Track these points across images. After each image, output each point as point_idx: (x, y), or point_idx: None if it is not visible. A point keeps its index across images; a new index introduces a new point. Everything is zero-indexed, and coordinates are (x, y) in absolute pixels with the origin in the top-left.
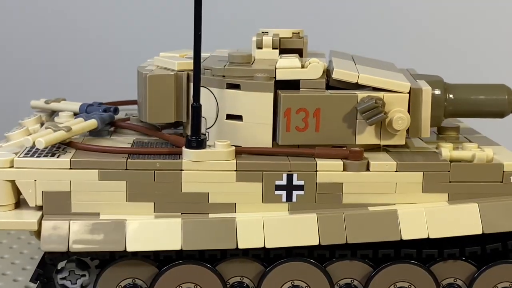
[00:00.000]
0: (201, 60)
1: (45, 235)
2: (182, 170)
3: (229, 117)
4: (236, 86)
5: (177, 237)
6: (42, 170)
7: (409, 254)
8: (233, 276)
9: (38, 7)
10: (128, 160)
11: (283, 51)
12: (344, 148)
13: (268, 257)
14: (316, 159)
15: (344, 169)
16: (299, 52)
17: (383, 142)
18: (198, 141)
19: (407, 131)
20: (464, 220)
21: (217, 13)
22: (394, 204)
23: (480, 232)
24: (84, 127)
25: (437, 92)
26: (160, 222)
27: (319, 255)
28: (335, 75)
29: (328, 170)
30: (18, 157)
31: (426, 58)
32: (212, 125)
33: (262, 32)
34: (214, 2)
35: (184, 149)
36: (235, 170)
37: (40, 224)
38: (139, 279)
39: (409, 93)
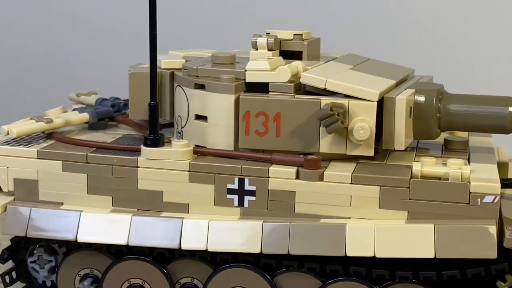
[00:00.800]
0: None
1: (7, 219)
2: (137, 167)
3: (198, 117)
4: (202, 87)
5: (125, 232)
6: (13, 158)
7: (358, 272)
8: (184, 277)
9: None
10: (89, 154)
11: (283, 53)
12: (301, 156)
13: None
14: (269, 165)
15: (297, 177)
16: (299, 54)
17: (349, 152)
18: (153, 140)
19: (380, 141)
20: (416, 241)
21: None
22: (349, 218)
23: (431, 256)
24: (73, 120)
25: (426, 102)
26: (113, 216)
27: (266, 264)
28: (302, 79)
29: (280, 177)
30: None
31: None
32: (185, 125)
33: (267, 34)
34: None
35: (142, 146)
36: (188, 171)
37: (5, 208)
38: (96, 270)
39: (380, 102)
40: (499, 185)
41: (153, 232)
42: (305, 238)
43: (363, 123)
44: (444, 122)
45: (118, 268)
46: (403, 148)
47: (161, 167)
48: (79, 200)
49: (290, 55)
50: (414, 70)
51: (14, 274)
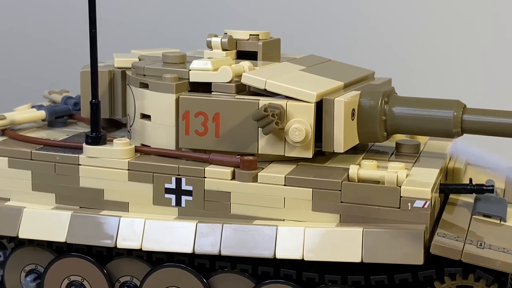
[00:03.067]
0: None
1: None
2: (79, 165)
3: (143, 116)
4: (147, 86)
5: (64, 230)
6: None
7: (288, 274)
8: (123, 275)
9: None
10: (33, 151)
11: (239, 54)
12: (237, 157)
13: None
14: (206, 165)
15: (232, 178)
16: (255, 55)
17: (287, 154)
18: (94, 138)
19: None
20: (344, 245)
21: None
22: (283, 220)
23: (358, 260)
24: (28, 117)
25: (370, 104)
26: (53, 213)
27: (200, 264)
28: (243, 79)
29: (216, 177)
30: None
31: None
32: (132, 124)
33: (225, 34)
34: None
35: (83, 144)
36: (127, 169)
37: None
38: (40, 266)
39: (319, 103)
40: (430, 190)
41: (91, 230)
42: (236, 239)
43: (299, 124)
44: (390, 125)
45: (58, 265)
46: (342, 151)
47: (102, 165)
48: (24, 197)
49: (246, 55)
50: (374, 72)
51: None
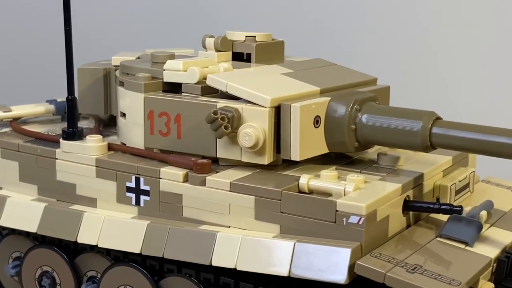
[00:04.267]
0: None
1: None
2: (56, 159)
3: (122, 114)
4: (123, 84)
5: (36, 221)
6: None
7: (227, 283)
8: (90, 270)
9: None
10: (20, 143)
11: (236, 55)
12: (193, 159)
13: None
14: (164, 166)
15: (185, 181)
16: (249, 56)
17: (244, 159)
18: (69, 133)
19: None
20: (275, 258)
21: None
22: (229, 227)
23: (285, 274)
24: (35, 111)
25: (338, 112)
26: (29, 204)
27: (151, 265)
28: (207, 81)
29: (170, 179)
30: None
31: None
32: (117, 121)
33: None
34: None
35: (60, 139)
36: (95, 166)
37: None
38: (23, 253)
39: (277, 108)
40: (365, 205)
41: (59, 223)
42: (180, 243)
43: (249, 129)
44: (361, 135)
45: (33, 255)
46: (298, 159)
47: (74, 160)
48: (13, 187)
49: (242, 57)
50: (376, 78)
51: None
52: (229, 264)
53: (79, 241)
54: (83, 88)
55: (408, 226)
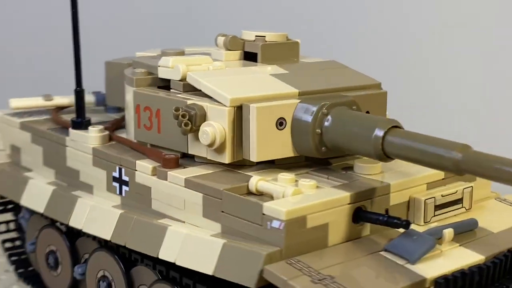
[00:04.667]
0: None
1: None
2: (66, 146)
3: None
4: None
5: (44, 203)
6: (8, 127)
7: (174, 277)
8: (86, 252)
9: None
10: (45, 129)
11: (247, 54)
12: (163, 154)
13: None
14: (141, 158)
15: (153, 174)
16: (251, 55)
17: (209, 157)
18: (76, 123)
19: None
20: (206, 255)
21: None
22: (184, 222)
23: (210, 272)
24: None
25: (303, 115)
26: (42, 187)
27: (123, 253)
28: (187, 78)
29: (142, 171)
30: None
31: None
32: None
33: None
34: None
35: (69, 128)
36: (92, 155)
37: None
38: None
39: (239, 107)
40: (285, 210)
41: (59, 206)
42: (139, 234)
43: (208, 127)
44: (326, 140)
45: (44, 234)
46: (256, 160)
47: (78, 148)
48: (39, 170)
49: (252, 56)
50: (380, 83)
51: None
52: (171, 258)
53: (70, 224)
54: (109, 81)
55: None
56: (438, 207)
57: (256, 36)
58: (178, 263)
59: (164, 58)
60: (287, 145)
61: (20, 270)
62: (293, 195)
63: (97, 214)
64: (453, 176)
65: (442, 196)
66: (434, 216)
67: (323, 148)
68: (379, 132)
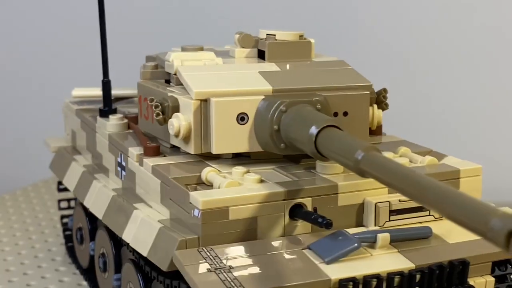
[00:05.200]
0: None
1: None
2: (96, 132)
3: None
4: None
5: (74, 183)
6: (69, 112)
7: (136, 258)
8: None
9: None
10: (88, 117)
11: (259, 52)
12: (148, 142)
13: None
14: (133, 145)
15: (137, 161)
16: (263, 53)
17: (182, 148)
18: (102, 111)
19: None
20: (147, 238)
21: None
22: (151, 207)
23: (145, 254)
24: (126, 93)
25: (263, 111)
26: (76, 168)
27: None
28: (176, 72)
29: (130, 157)
30: None
31: None
32: None
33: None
34: None
35: (97, 116)
36: (108, 141)
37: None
38: None
39: (205, 101)
40: (202, 200)
41: (82, 186)
42: (117, 215)
43: (174, 119)
44: (283, 137)
45: (76, 211)
46: (214, 152)
47: (101, 134)
48: (84, 154)
49: (263, 54)
50: (371, 84)
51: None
52: (128, 240)
53: (84, 203)
54: None
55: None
56: (394, 212)
57: (267, 34)
58: (131, 245)
59: (169, 53)
60: (250, 140)
61: (70, 244)
62: (227, 187)
63: (100, 195)
64: None
65: (400, 201)
66: (389, 221)
67: (282, 144)
68: (314, 131)
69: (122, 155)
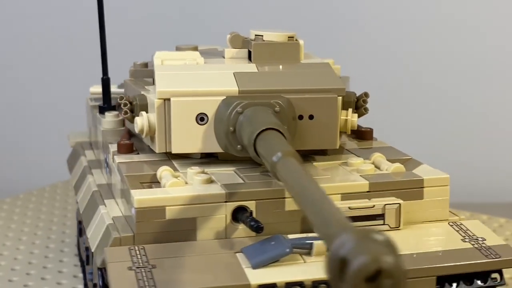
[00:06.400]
0: None
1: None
2: (97, 128)
3: None
4: None
5: (77, 176)
6: (88, 108)
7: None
8: None
9: None
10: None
11: (249, 52)
12: (123, 139)
13: None
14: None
15: (112, 157)
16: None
17: (151, 146)
18: (101, 108)
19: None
20: (98, 235)
21: None
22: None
23: (93, 250)
24: None
25: (220, 112)
26: (82, 164)
27: None
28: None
29: (110, 154)
30: None
31: None
32: None
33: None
34: None
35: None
36: (101, 137)
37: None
38: None
39: (168, 100)
40: (136, 199)
41: (80, 181)
42: (89, 209)
43: (139, 117)
44: (239, 138)
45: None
46: (173, 151)
47: (97, 130)
48: (95, 147)
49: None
50: (344, 88)
51: None
52: (89, 235)
53: (76, 197)
54: None
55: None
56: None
57: (255, 35)
58: (89, 239)
59: (157, 53)
60: (210, 140)
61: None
62: (170, 186)
63: (86, 190)
64: (389, 190)
65: (350, 208)
66: None
67: (238, 146)
68: (253, 134)
69: (108, 155)
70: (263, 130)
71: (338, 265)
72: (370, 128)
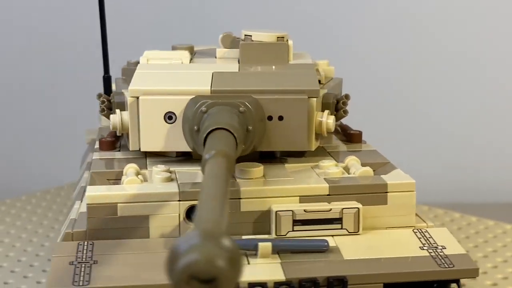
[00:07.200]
0: None
1: None
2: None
3: None
4: None
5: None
6: None
7: None
8: None
9: None
10: None
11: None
12: (106, 137)
13: None
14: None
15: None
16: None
17: (126, 142)
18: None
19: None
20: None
21: None
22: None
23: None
24: None
25: (186, 111)
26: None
27: None
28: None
29: (95, 151)
30: None
31: None
32: None
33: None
34: None
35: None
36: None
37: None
38: None
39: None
40: (87, 195)
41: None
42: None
43: (113, 114)
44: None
45: None
46: (141, 149)
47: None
48: None
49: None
50: (319, 90)
51: None
52: (62, 230)
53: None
54: None
55: None
56: (299, 222)
57: (245, 35)
58: (61, 234)
59: (146, 52)
60: (179, 139)
61: None
62: (127, 184)
63: (78, 187)
64: (350, 194)
65: (305, 211)
66: (293, 231)
67: (202, 146)
68: (204, 134)
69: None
70: (213, 130)
71: (174, 257)
72: (359, 131)
